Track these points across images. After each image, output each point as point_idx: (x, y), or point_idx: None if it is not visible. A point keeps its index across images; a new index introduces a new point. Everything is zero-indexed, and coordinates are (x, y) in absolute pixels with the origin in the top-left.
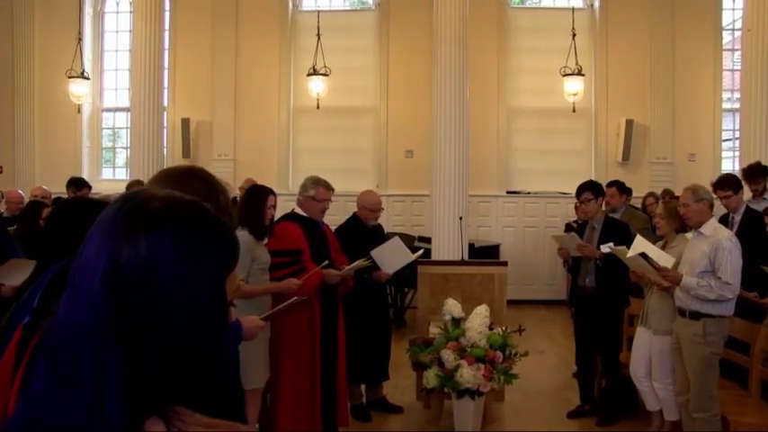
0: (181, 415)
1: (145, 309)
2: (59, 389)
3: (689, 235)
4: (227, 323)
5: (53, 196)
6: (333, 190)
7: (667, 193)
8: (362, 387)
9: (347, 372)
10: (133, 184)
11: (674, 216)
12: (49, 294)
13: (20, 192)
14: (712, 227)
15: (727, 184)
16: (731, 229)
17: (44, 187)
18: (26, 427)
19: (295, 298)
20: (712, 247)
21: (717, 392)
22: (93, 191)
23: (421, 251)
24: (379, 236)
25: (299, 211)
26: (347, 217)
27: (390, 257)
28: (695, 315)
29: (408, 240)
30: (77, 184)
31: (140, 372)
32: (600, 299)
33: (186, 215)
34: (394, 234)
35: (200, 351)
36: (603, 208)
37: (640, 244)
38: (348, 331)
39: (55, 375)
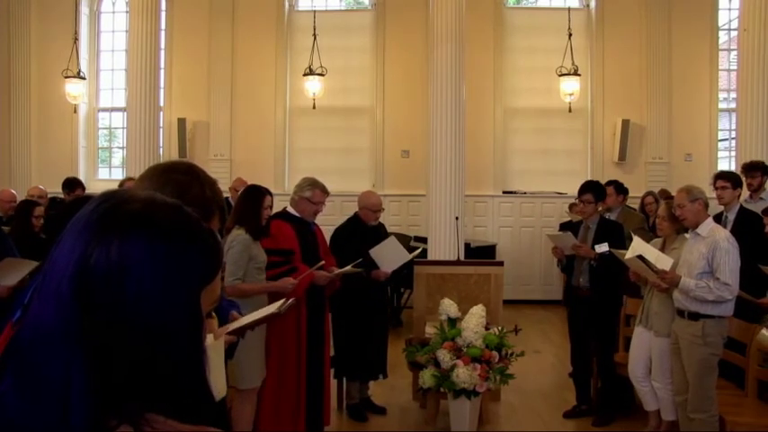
0: (152, 421)
1: (113, 314)
2: (24, 389)
3: (687, 236)
4: (202, 333)
5: (49, 196)
6: (328, 194)
7: (663, 193)
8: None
9: (343, 369)
10: (125, 182)
11: (675, 218)
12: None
13: (12, 191)
14: (709, 227)
15: (727, 176)
16: (725, 227)
17: (40, 187)
18: None
19: (273, 311)
20: (710, 248)
21: (715, 393)
22: (89, 191)
23: (419, 250)
24: (380, 235)
25: (290, 210)
26: (345, 216)
27: (388, 256)
28: (694, 316)
29: (405, 240)
30: (70, 185)
31: (108, 377)
32: (594, 299)
33: (163, 219)
34: (400, 235)
35: (169, 362)
36: (600, 208)
37: (638, 246)
38: (345, 328)
39: (21, 375)
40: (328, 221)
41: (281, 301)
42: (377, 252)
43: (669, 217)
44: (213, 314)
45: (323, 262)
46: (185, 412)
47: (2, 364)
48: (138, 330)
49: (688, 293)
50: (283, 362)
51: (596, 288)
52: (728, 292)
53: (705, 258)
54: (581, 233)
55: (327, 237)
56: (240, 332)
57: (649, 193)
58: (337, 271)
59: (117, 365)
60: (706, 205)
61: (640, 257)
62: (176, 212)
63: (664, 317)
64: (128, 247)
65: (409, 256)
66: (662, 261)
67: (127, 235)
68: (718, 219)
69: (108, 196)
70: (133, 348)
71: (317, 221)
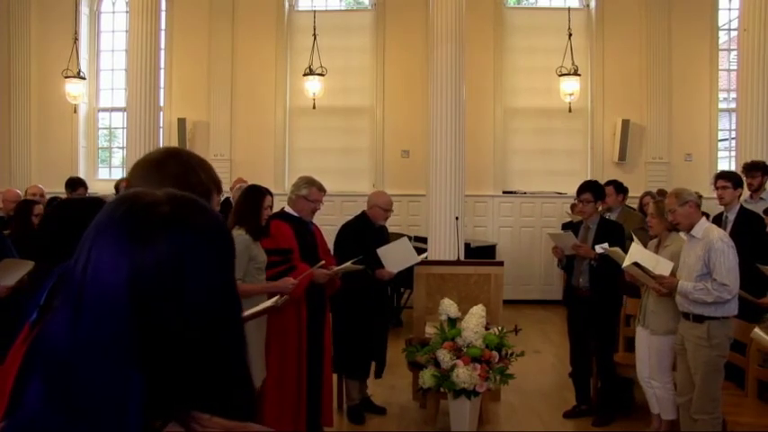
0: (198, 419)
1: (168, 314)
2: (69, 412)
3: (683, 236)
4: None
5: (49, 196)
6: (325, 192)
7: (662, 194)
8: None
9: (344, 368)
10: (121, 182)
11: (664, 215)
12: (54, 293)
13: (17, 191)
14: (703, 228)
15: (728, 176)
16: (725, 228)
17: (39, 186)
18: None
19: (270, 304)
20: (705, 250)
21: (720, 395)
22: (91, 191)
23: (425, 255)
24: (384, 236)
25: (288, 209)
26: (345, 216)
27: (396, 257)
28: (699, 318)
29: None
30: (72, 184)
31: (161, 380)
32: (593, 299)
33: (194, 216)
34: (401, 235)
35: (228, 350)
36: (600, 208)
37: (636, 252)
38: (345, 326)
39: (61, 397)
40: (328, 221)
41: (277, 296)
42: (385, 251)
43: (658, 214)
44: None
45: (323, 261)
46: (229, 406)
47: (24, 368)
48: (193, 326)
49: (687, 296)
50: (284, 362)
51: (596, 288)
52: (727, 293)
53: (702, 260)
54: (581, 233)
55: (327, 236)
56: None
57: (647, 194)
58: (336, 268)
59: (168, 366)
60: (698, 206)
61: (636, 264)
62: (200, 207)
63: (660, 315)
64: (174, 248)
65: (418, 259)
66: (662, 265)
67: (170, 234)
68: (719, 219)
69: (130, 201)
70: (187, 345)
71: (315, 221)
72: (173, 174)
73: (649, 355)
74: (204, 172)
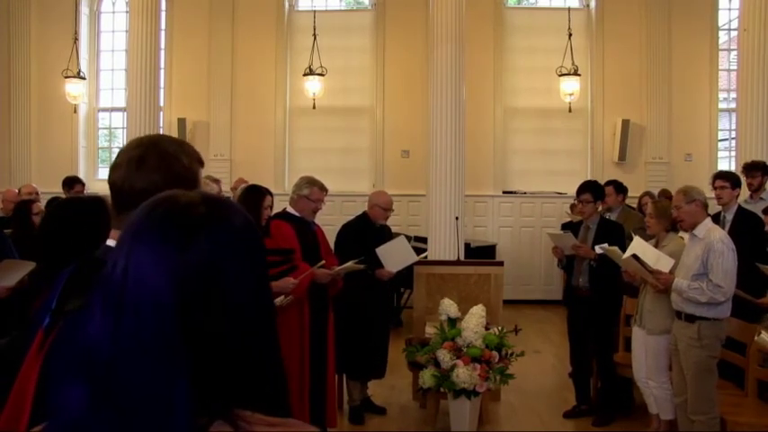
0: (244, 416)
1: (213, 313)
2: (116, 414)
3: (685, 236)
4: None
5: (50, 196)
6: (326, 191)
7: (664, 194)
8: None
9: (345, 368)
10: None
11: (663, 215)
12: (64, 296)
13: (17, 191)
14: (706, 228)
15: (726, 176)
16: (722, 228)
17: (33, 185)
18: None
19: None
20: (705, 250)
21: (715, 395)
22: (90, 191)
23: (425, 254)
24: (385, 236)
25: (290, 210)
26: (345, 216)
27: (395, 256)
28: (690, 318)
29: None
30: (69, 182)
31: (205, 378)
32: (593, 299)
33: (228, 214)
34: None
35: (266, 346)
36: (600, 208)
37: (638, 245)
38: (346, 327)
39: (107, 400)
40: (328, 221)
41: (282, 296)
42: (384, 251)
43: (656, 215)
44: None
45: (323, 261)
46: (267, 402)
47: (45, 369)
48: (234, 324)
49: (681, 294)
50: (287, 363)
51: (596, 288)
52: (721, 294)
53: (700, 260)
54: (581, 233)
55: (328, 236)
56: None
57: (646, 194)
58: (338, 268)
59: (212, 364)
60: (705, 206)
61: (635, 257)
62: (232, 206)
63: (655, 315)
64: (213, 248)
65: (416, 258)
66: (663, 262)
67: (208, 234)
68: (717, 219)
69: (167, 203)
70: (229, 342)
71: (315, 221)
72: (155, 167)
73: (646, 355)
74: (185, 155)
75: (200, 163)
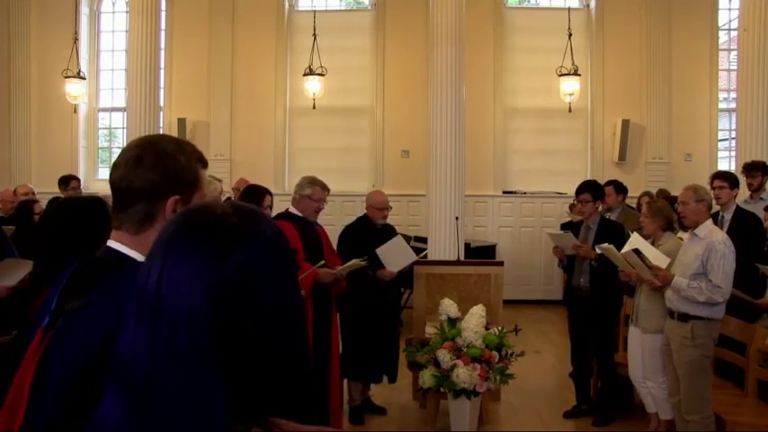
0: (279, 424)
1: (246, 321)
2: (154, 424)
3: (685, 235)
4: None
5: (50, 196)
6: (329, 191)
7: (662, 193)
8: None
9: (348, 369)
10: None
11: (657, 214)
12: (64, 296)
13: (13, 191)
14: (707, 229)
15: (725, 176)
16: (721, 228)
17: (29, 185)
18: None
19: None
20: (705, 250)
21: (709, 394)
22: (87, 188)
23: (425, 252)
24: (388, 236)
25: (293, 210)
26: (345, 216)
27: (394, 256)
28: (684, 317)
29: (405, 240)
30: (65, 181)
31: (241, 387)
32: (594, 299)
33: (259, 222)
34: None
35: (300, 353)
36: (600, 208)
37: (636, 241)
38: (347, 327)
39: (144, 409)
40: (328, 221)
41: None
42: (383, 251)
43: (651, 213)
44: None
45: (323, 261)
46: (298, 408)
47: (41, 367)
48: (269, 326)
49: (679, 293)
50: None
51: (597, 288)
52: (720, 295)
53: (700, 259)
54: (582, 233)
55: (331, 236)
56: None
57: (646, 194)
58: (340, 267)
59: (247, 372)
60: (709, 207)
61: (636, 251)
62: (262, 216)
63: (651, 314)
64: (247, 257)
65: (415, 257)
66: (659, 259)
67: (242, 245)
68: (715, 218)
69: (200, 214)
70: (263, 346)
71: (318, 221)
72: (152, 166)
73: (643, 354)
74: (184, 155)
75: (202, 162)
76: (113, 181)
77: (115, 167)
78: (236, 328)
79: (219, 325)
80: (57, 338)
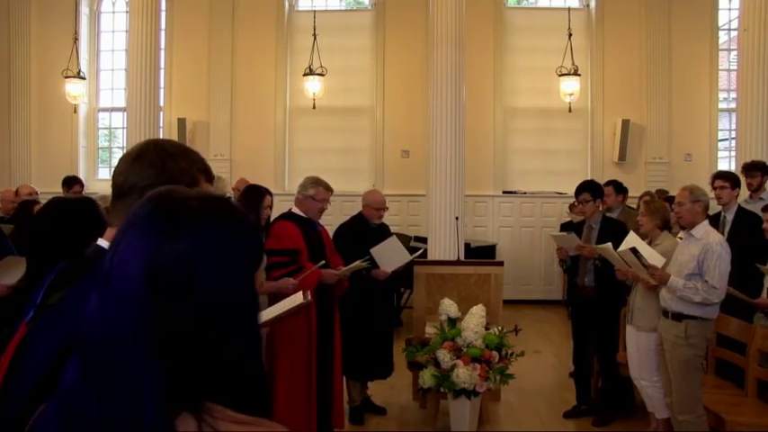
0: (212, 411)
1: (185, 306)
2: (98, 389)
3: (682, 234)
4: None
5: (50, 196)
6: (332, 191)
7: (661, 194)
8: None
9: (347, 369)
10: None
11: (654, 213)
12: (49, 291)
13: (14, 191)
14: (704, 229)
15: (726, 176)
16: (722, 227)
17: (31, 185)
18: (66, 423)
19: (300, 302)
20: (702, 250)
21: (701, 394)
22: (89, 191)
23: (420, 251)
24: (383, 235)
25: (296, 210)
26: (345, 216)
27: (389, 256)
28: (678, 316)
29: (405, 240)
30: (68, 182)
31: (177, 370)
32: (598, 298)
33: (220, 212)
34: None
35: (239, 346)
36: (600, 208)
37: (633, 239)
38: (347, 327)
39: (92, 374)
40: (328, 221)
41: (300, 292)
42: (377, 251)
43: (648, 212)
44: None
45: (323, 261)
46: (242, 402)
47: (15, 358)
48: (210, 319)
49: (675, 292)
50: (294, 364)
51: (601, 288)
52: (715, 296)
53: (696, 260)
54: (584, 233)
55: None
56: (270, 323)
57: (646, 194)
58: (344, 269)
59: (188, 359)
60: (706, 208)
61: (633, 250)
62: (228, 205)
63: (645, 312)
64: (196, 242)
65: (410, 257)
66: (654, 259)
67: (193, 230)
68: (717, 219)
69: (163, 196)
70: (203, 337)
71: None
72: (150, 163)
73: (638, 353)
74: (186, 160)
75: (207, 174)
76: (113, 175)
77: (117, 163)
78: (174, 315)
79: (159, 309)
80: (33, 331)
